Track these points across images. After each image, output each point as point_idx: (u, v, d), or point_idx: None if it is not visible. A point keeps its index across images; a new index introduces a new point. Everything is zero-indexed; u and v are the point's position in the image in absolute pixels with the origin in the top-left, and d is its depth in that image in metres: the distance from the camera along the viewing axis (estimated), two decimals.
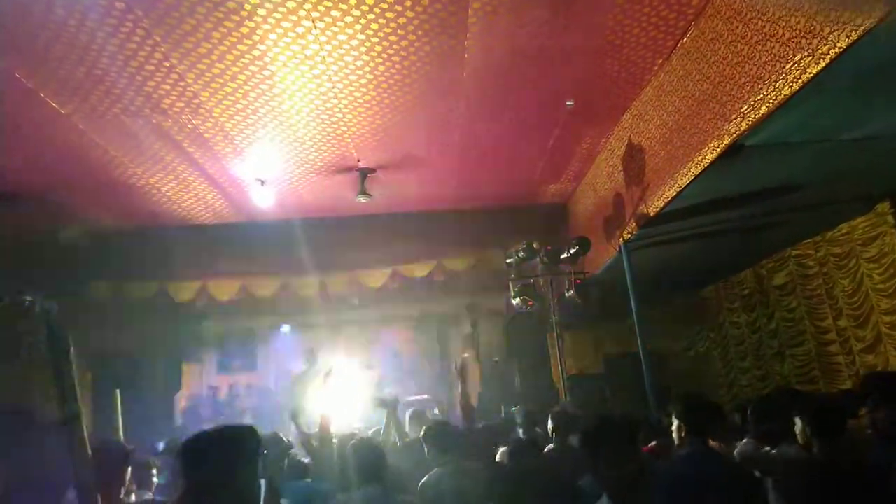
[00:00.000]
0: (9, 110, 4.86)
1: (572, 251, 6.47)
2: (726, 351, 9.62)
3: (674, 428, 3.05)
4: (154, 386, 9.67)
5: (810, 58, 3.28)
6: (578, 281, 6.76)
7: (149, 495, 3.91)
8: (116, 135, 5.44)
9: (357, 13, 4.02)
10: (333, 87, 4.90)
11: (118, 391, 6.61)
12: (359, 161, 6.33)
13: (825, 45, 3.16)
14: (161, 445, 5.58)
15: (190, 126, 5.38)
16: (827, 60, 3.17)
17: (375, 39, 4.30)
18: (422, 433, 3.73)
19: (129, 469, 3.51)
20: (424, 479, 3.41)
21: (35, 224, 6.92)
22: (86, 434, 2.82)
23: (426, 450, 3.62)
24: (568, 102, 5.50)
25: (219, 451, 1.88)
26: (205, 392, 11.51)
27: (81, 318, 8.80)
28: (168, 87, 4.78)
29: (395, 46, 4.40)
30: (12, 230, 7.10)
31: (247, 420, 10.62)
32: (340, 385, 9.99)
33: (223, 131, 5.49)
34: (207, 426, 2.35)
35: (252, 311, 11.20)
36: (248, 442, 1.94)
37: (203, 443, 1.93)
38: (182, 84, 4.73)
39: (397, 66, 4.64)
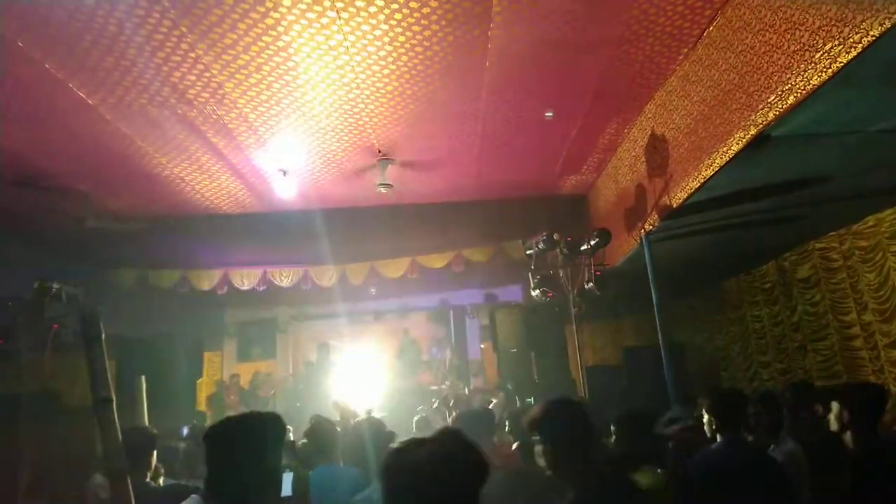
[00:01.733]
0: (39, 100, 4.95)
1: (592, 243, 6.45)
2: (747, 344, 9.53)
3: (705, 421, 3.06)
4: (176, 373, 9.82)
5: (841, 46, 3.22)
6: (598, 272, 6.74)
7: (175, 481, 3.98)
8: (142, 125, 5.52)
9: (381, 3, 4.02)
10: (356, 78, 4.91)
11: (143, 378, 6.75)
12: (380, 151, 6.36)
13: (857, 33, 3.10)
14: (185, 430, 5.68)
15: (214, 116, 5.44)
16: (858, 49, 3.11)
17: (399, 29, 4.30)
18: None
19: (155, 453, 3.61)
20: None
21: (62, 212, 7.05)
22: (116, 419, 2.88)
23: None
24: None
25: (244, 437, 1.92)
26: (227, 379, 11.69)
27: (106, 304, 8.98)
28: (193, 78, 4.83)
29: (418, 37, 4.40)
30: (40, 218, 7.25)
31: (269, 407, 10.79)
32: (358, 374, 10.11)
33: (247, 122, 5.54)
34: (232, 412, 2.41)
35: (272, 300, 11.34)
36: (273, 429, 1.98)
37: (230, 429, 1.97)
38: (207, 74, 4.78)
39: (420, 56, 4.64)
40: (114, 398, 2.91)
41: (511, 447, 4.34)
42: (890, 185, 5.82)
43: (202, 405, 10.91)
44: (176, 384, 9.50)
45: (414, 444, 1.41)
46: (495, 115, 5.84)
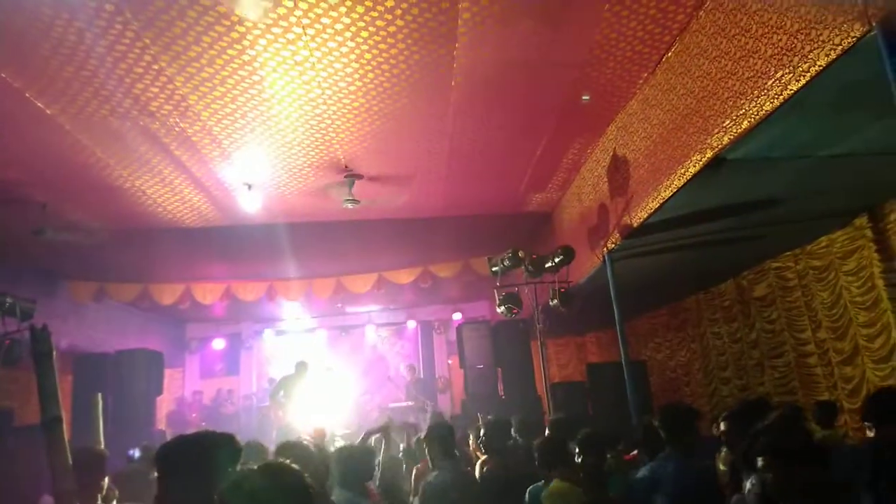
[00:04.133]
0: None
1: (557, 260, 6.53)
2: (707, 361, 9.72)
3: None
4: (135, 389, 9.58)
5: (791, 75, 3.36)
6: (562, 290, 6.82)
7: None
8: (103, 136, 5.42)
9: (347, 20, 4.05)
10: (322, 94, 4.92)
11: (99, 395, 6.55)
12: (346, 167, 6.35)
13: (805, 62, 3.24)
14: (136, 452, 5.51)
15: (177, 129, 5.37)
16: (807, 78, 3.24)
17: (365, 47, 4.33)
18: (424, 435, 3.86)
19: (105, 474, 3.49)
20: (430, 478, 3.49)
21: (18, 224, 6.84)
22: (65, 439, 2.79)
23: (427, 450, 3.74)
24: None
25: (196, 457, 1.86)
26: (189, 397, 11.42)
27: (64, 318, 8.73)
28: (156, 90, 4.76)
29: (384, 55, 4.43)
30: None
31: (233, 424, 10.57)
32: (324, 390, 9.98)
33: (211, 135, 5.49)
34: (191, 430, 2.36)
35: (236, 316, 11.16)
36: (227, 449, 1.92)
37: (181, 448, 1.91)
38: (171, 87, 4.73)
39: (386, 73, 4.68)
40: (62, 417, 2.82)
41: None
42: (840, 207, 6.06)
43: (163, 423, 10.64)
44: (135, 401, 9.26)
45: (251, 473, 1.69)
46: (462, 134, 5.90)
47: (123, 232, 7.64)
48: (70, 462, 2.72)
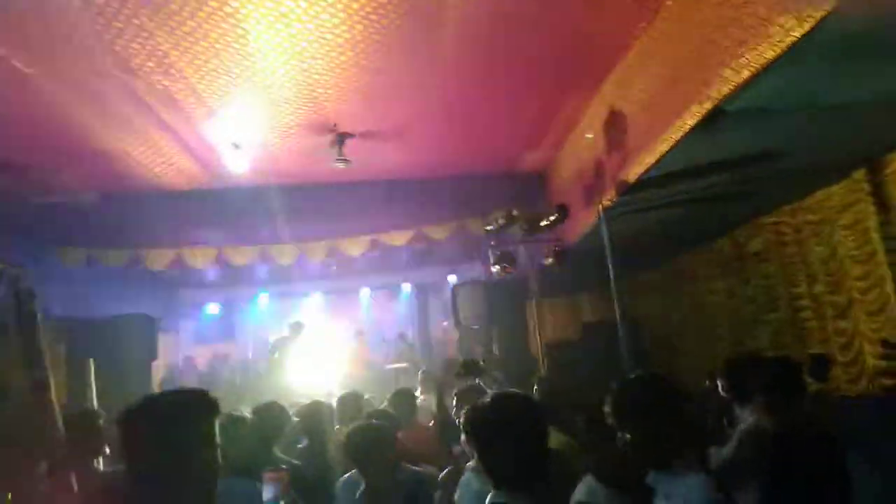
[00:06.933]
0: None
1: (551, 219, 6.46)
2: (702, 318, 9.76)
3: None
4: (129, 356, 9.56)
5: (795, 20, 3.23)
6: (557, 249, 6.78)
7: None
8: (84, 97, 5.24)
9: None
10: (309, 47, 4.74)
11: (91, 361, 6.53)
12: (336, 125, 6.20)
13: (810, 6, 3.11)
14: None
15: (160, 87, 5.20)
16: (812, 22, 3.12)
17: None
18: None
19: (104, 438, 3.46)
20: None
21: (2, 190, 6.70)
22: (55, 402, 2.74)
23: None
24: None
25: (162, 419, 1.58)
26: (181, 362, 11.43)
27: (53, 285, 8.65)
28: (138, 46, 4.58)
29: (372, 4, 4.24)
30: None
31: (229, 388, 10.62)
32: (320, 351, 10.01)
33: (195, 93, 5.32)
34: None
35: (229, 280, 11.10)
36: (197, 409, 1.63)
37: (145, 410, 1.62)
38: (152, 42, 4.54)
39: (375, 25, 4.50)
40: (49, 382, 2.76)
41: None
42: (839, 160, 5.97)
43: (158, 389, 10.66)
44: (130, 368, 9.24)
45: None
46: (454, 90, 5.74)
47: (110, 196, 7.50)
48: (59, 426, 2.68)
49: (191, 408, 1.62)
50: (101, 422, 3.52)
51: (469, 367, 4.37)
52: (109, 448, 3.47)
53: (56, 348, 7.42)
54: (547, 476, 1.87)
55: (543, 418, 1.98)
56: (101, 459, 3.47)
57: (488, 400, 2.03)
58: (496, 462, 1.90)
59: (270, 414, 3.63)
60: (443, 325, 13.44)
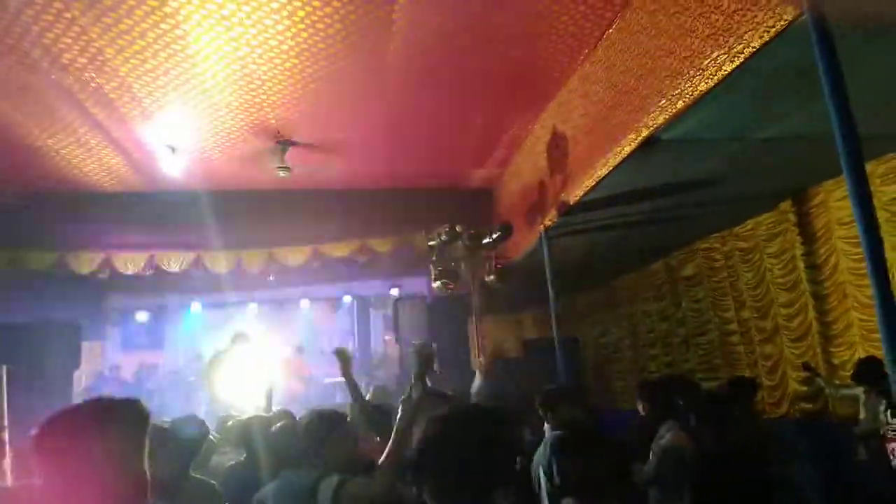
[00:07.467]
0: None
1: (495, 236, 6.50)
2: (637, 338, 10.00)
3: None
4: (50, 363, 9.02)
5: (726, 55, 3.36)
6: (499, 266, 6.81)
7: None
8: (9, 90, 4.97)
9: None
10: (252, 52, 4.64)
11: (4, 367, 6.12)
12: (279, 132, 6.07)
13: (740, 43, 3.24)
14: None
15: (93, 85, 4.98)
16: (741, 59, 3.26)
17: (297, 3, 4.09)
18: None
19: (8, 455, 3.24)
20: None
21: None
22: None
23: None
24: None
25: (87, 429, 1.41)
26: (106, 371, 10.88)
27: None
28: (69, 41, 4.38)
29: (318, 13, 4.20)
30: None
31: (157, 400, 10.15)
32: (255, 365, 9.70)
33: (130, 92, 5.11)
34: None
35: (160, 287, 10.66)
36: (125, 419, 1.47)
37: (68, 419, 1.44)
38: (85, 38, 4.35)
39: (321, 33, 4.44)
40: None
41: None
42: (767, 190, 6.25)
43: (80, 399, 10.11)
44: (49, 375, 8.72)
45: None
46: (401, 103, 5.73)
47: (36, 195, 7.11)
48: None
49: (119, 417, 1.46)
50: (4, 434, 3.30)
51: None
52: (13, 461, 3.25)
53: None
54: None
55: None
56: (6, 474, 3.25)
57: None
58: None
59: (186, 429, 3.43)
60: (384, 339, 13.30)
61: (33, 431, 1.42)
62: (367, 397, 5.58)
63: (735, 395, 4.40)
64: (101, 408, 1.48)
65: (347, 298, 13.70)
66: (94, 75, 4.85)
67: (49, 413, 1.45)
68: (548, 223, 6.11)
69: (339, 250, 9.26)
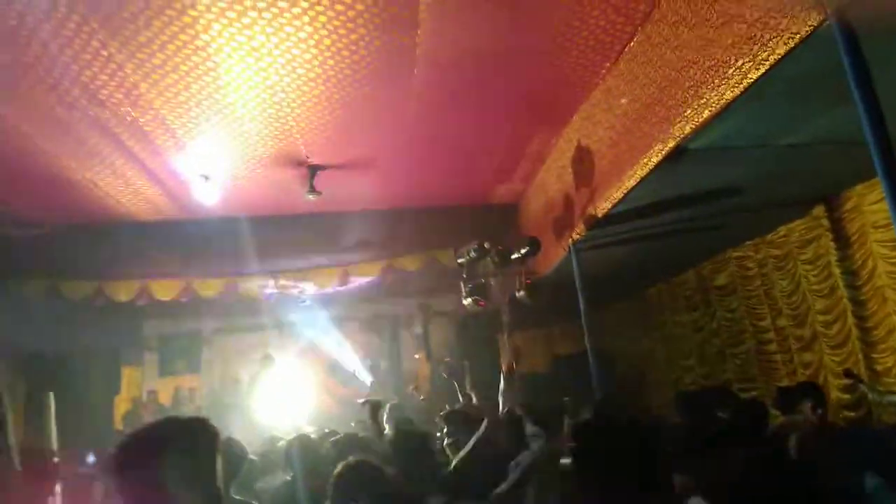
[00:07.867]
0: None
1: (523, 251, 6.49)
2: (671, 350, 9.86)
3: None
4: (92, 389, 9.26)
5: (751, 63, 3.37)
6: (529, 281, 6.80)
7: None
8: (50, 126, 5.17)
9: (305, 4, 3.92)
10: (280, 81, 4.77)
11: (51, 394, 6.30)
12: (308, 157, 6.20)
13: (764, 51, 3.25)
14: (92, 457, 5.27)
15: (129, 118, 5.16)
16: (766, 66, 3.26)
17: (324, 32, 4.21)
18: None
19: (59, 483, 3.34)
20: None
21: None
22: (12, 442, 2.65)
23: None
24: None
25: (157, 451, 1.46)
26: (144, 396, 11.09)
27: (13, 318, 8.38)
28: (106, 77, 4.56)
29: (344, 40, 4.31)
30: None
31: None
32: (291, 385, 9.82)
33: (164, 124, 5.29)
34: None
35: (196, 312, 10.86)
36: (202, 437, 1.54)
37: (137, 443, 1.50)
38: (120, 74, 4.53)
39: (347, 60, 4.56)
40: (8, 419, 2.67)
41: None
42: (799, 196, 6.17)
43: (120, 424, 10.31)
44: (94, 402, 8.94)
45: None
46: (426, 123, 5.81)
47: (75, 226, 7.35)
48: (17, 467, 2.58)
49: (193, 436, 1.51)
50: (55, 460, 3.41)
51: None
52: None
53: (15, 384, 7.17)
54: None
55: None
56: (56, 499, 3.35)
57: None
58: None
59: (228, 451, 3.51)
60: (415, 358, 13.31)
61: (110, 453, 1.50)
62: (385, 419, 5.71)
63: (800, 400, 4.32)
64: (175, 428, 1.54)
65: (377, 317, 13.77)
66: (129, 109, 5.03)
67: (94, 439, 1.52)
68: (576, 237, 6.11)
69: (369, 270, 9.37)
